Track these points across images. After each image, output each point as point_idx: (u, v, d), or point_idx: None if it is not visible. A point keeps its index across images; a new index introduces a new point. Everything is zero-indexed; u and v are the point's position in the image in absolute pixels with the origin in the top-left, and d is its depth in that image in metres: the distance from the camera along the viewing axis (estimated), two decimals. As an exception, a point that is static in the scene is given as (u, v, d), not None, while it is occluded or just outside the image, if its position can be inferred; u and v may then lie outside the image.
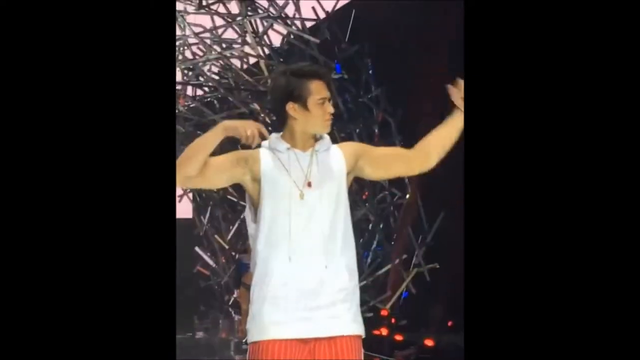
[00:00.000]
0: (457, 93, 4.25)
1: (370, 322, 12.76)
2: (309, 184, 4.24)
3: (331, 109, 4.30)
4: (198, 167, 4.13)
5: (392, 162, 4.39)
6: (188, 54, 13.52)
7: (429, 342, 11.96)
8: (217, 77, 13.75)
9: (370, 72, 13.58)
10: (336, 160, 4.33)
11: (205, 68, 13.66)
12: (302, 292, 4.18)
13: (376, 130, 13.55)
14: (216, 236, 15.87)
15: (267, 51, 13.23)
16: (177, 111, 13.73)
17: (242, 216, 15.91)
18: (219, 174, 4.23)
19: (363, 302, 12.94)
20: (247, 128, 4.16)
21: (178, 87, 13.55)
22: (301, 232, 4.20)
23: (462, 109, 4.24)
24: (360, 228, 13.34)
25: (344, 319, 4.23)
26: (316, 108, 4.26)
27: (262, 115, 13.93)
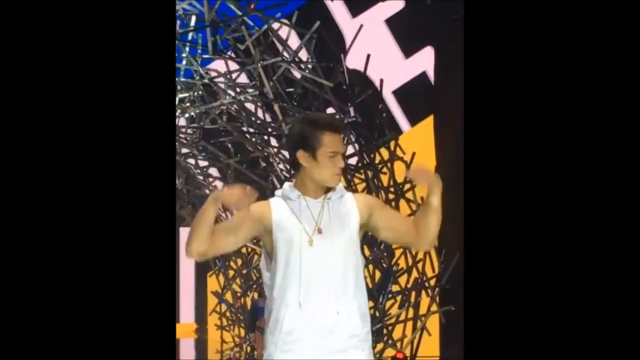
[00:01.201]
0: (421, 174, 4.23)
1: (385, 365, 12.73)
2: (320, 231, 4.26)
3: (341, 164, 4.30)
4: (206, 241, 4.13)
5: (401, 233, 4.36)
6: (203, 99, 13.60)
7: (445, 385, 11.90)
8: (231, 122, 13.82)
9: (384, 115, 13.62)
10: (349, 209, 4.32)
11: (220, 112, 13.72)
12: (313, 339, 4.21)
13: (388, 173, 13.56)
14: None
15: (281, 95, 13.30)
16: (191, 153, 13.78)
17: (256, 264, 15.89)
18: (231, 237, 4.26)
19: (379, 345, 12.92)
20: (234, 194, 4.16)
21: (190, 131, 13.62)
22: (311, 279, 4.22)
23: (436, 184, 4.16)
24: (374, 270, 13.33)
25: None
26: (325, 160, 4.27)
27: (277, 159, 13.97)
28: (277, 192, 4.41)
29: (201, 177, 15.28)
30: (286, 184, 4.40)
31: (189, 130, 13.46)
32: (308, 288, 4.22)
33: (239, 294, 16.38)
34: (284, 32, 13.05)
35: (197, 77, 13.27)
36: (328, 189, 4.34)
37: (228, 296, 16.37)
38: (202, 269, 17.67)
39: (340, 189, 4.34)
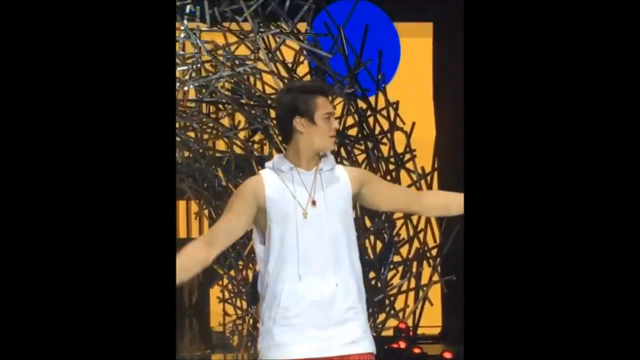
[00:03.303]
0: None
1: (388, 336, 12.76)
2: (314, 202, 4.27)
3: (336, 125, 4.33)
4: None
5: (398, 197, 4.42)
6: (201, 72, 13.57)
7: (447, 355, 11.92)
8: (230, 94, 13.79)
9: (383, 85, 13.59)
10: (341, 181, 4.34)
11: (219, 85, 13.69)
12: (312, 312, 4.22)
13: (388, 144, 13.55)
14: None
15: (279, 67, 13.26)
16: (191, 127, 13.77)
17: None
18: (235, 237, 4.34)
19: (381, 315, 12.95)
20: None
21: (191, 104, 13.60)
22: (309, 251, 4.22)
23: None
24: (375, 241, 13.34)
25: (355, 338, 4.25)
26: (322, 122, 4.30)
27: (276, 130, 13.93)
28: (268, 164, 4.41)
29: (200, 151, 15.25)
30: (277, 156, 4.40)
31: (188, 103, 13.43)
32: (306, 261, 4.23)
33: (240, 267, 16.40)
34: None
35: (195, 50, 13.23)
36: (320, 160, 4.34)
37: (230, 269, 16.36)
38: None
39: (331, 161, 4.35)
